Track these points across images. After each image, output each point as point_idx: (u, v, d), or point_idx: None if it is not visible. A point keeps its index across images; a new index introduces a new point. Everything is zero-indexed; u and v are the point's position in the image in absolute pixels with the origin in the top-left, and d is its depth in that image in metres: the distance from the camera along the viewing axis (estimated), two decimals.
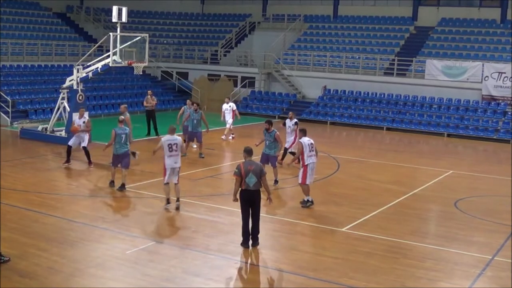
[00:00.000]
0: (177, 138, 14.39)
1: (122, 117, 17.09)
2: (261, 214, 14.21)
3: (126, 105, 20.50)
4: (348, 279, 10.60)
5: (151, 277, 10.29)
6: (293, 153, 19.34)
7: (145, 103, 25.23)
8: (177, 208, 14.21)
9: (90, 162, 18.81)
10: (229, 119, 25.00)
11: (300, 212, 14.65)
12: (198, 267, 10.88)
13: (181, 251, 11.67)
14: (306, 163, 14.78)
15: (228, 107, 25.17)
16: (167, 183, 14.32)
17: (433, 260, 11.71)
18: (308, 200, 15.06)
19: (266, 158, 16.98)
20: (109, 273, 10.45)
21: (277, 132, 16.93)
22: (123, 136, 15.93)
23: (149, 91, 25.31)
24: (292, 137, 19.95)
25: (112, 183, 16.14)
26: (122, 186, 15.88)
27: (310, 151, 14.83)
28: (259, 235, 12.03)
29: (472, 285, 10.62)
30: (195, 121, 21.00)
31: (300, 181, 14.91)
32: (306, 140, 14.95)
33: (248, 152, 12.01)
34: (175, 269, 10.74)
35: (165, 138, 14.33)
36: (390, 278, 10.69)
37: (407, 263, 11.48)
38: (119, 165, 16.07)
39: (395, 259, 11.71)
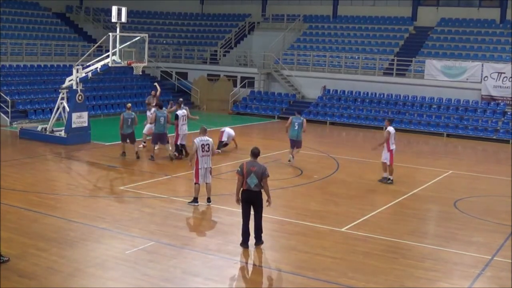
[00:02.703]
0: (209, 139, 14.58)
1: (129, 104, 21.02)
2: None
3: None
4: (347, 279, 10.61)
5: (151, 277, 10.29)
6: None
7: (147, 102, 24.91)
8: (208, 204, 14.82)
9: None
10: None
11: (300, 212, 14.66)
12: (197, 267, 10.88)
13: (181, 251, 11.67)
14: (391, 148, 18.09)
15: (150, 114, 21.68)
16: (198, 183, 14.63)
17: (432, 260, 11.72)
18: (390, 178, 18.21)
19: None
20: (109, 273, 10.45)
21: None
22: (129, 120, 19.88)
23: (153, 92, 25.02)
24: (186, 126, 20.64)
25: (123, 154, 20.16)
26: (137, 157, 19.85)
27: (394, 139, 18.08)
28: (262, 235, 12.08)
29: (471, 285, 10.63)
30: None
31: (388, 163, 18.15)
32: (392, 129, 18.13)
33: (254, 153, 12.01)
34: (175, 269, 10.74)
35: (198, 139, 14.49)
36: (389, 278, 10.69)
37: (406, 263, 11.48)
38: (127, 140, 20.21)
39: (394, 259, 11.71)
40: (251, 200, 11.83)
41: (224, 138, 22.18)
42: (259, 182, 11.71)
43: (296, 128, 20.26)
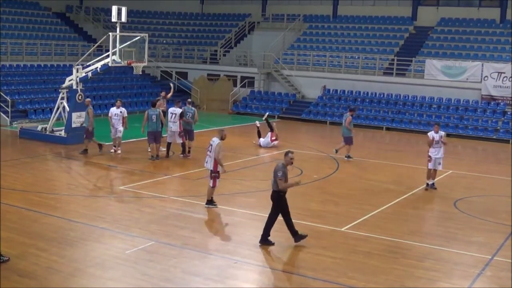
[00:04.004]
0: (215, 140, 14.26)
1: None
2: (260, 214, 14.26)
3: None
4: (347, 279, 10.60)
5: (151, 277, 10.29)
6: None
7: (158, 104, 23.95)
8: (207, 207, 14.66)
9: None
10: (119, 126, 20.71)
11: (300, 212, 14.62)
12: (197, 267, 10.88)
13: (180, 251, 11.67)
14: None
15: (119, 113, 20.75)
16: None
17: (433, 260, 11.72)
18: (433, 183, 17.56)
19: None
20: (109, 273, 10.44)
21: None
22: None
23: (163, 93, 24.31)
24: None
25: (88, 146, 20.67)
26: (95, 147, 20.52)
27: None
28: (268, 237, 12.18)
29: (471, 285, 10.63)
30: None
31: (442, 167, 17.64)
32: None
33: (284, 153, 12.22)
34: (174, 269, 10.74)
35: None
36: (389, 278, 10.69)
37: (407, 263, 11.48)
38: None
39: (395, 259, 11.71)
40: (271, 198, 12.15)
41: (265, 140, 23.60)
42: (274, 181, 11.89)
43: (343, 124, 21.81)
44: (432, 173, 17.55)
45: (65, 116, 22.97)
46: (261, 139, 23.45)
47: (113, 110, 20.86)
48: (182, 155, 20.61)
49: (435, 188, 17.45)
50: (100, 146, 20.85)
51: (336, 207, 15.39)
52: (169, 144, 20.55)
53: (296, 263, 11.34)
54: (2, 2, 34.68)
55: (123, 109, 20.86)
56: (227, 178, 17.81)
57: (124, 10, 21.25)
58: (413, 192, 17.24)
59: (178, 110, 20.38)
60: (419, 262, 11.57)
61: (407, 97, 32.47)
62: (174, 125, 20.28)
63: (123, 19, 21.32)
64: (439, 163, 17.41)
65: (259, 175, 18.91)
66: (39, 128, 23.48)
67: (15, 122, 26.62)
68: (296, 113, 33.31)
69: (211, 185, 14.49)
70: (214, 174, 14.32)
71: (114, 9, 21.14)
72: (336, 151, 21.82)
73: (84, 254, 11.27)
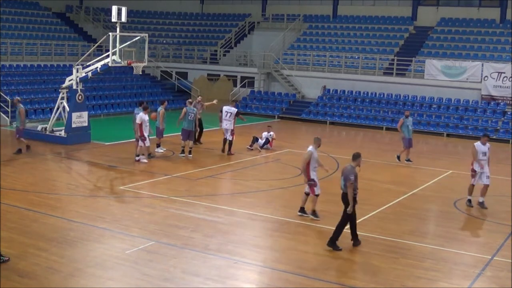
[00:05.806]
0: (310, 148, 13.98)
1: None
2: (260, 214, 14.25)
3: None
4: (347, 279, 10.61)
5: (151, 277, 10.29)
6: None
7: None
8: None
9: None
10: (146, 133, 19.47)
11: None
12: (197, 267, 10.88)
13: (180, 251, 11.67)
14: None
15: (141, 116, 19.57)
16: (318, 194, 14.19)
17: (433, 260, 11.72)
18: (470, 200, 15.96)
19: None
20: (108, 273, 10.44)
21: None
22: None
23: (199, 97, 23.48)
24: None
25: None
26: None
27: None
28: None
29: (471, 285, 10.63)
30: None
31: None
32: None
33: (352, 156, 12.25)
34: (174, 269, 10.74)
35: (313, 148, 13.94)
36: (389, 278, 10.69)
37: (407, 263, 11.48)
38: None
39: (395, 259, 11.71)
40: (341, 200, 12.17)
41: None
42: (344, 185, 11.99)
43: None
44: (482, 190, 15.74)
45: (65, 116, 22.97)
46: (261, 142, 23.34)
47: (144, 116, 19.24)
48: (227, 152, 21.25)
49: (486, 208, 15.61)
50: (28, 147, 20.57)
51: (336, 207, 15.33)
52: (225, 140, 21.41)
53: (296, 263, 11.33)
54: (2, 2, 34.69)
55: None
56: (227, 178, 17.82)
57: (124, 10, 21.25)
58: (413, 192, 17.23)
59: (233, 109, 21.46)
60: (419, 262, 11.57)
61: (407, 97, 32.47)
62: (229, 123, 21.16)
63: (123, 19, 21.32)
64: (487, 177, 15.71)
65: (259, 175, 18.91)
66: (39, 128, 23.47)
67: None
68: (296, 113, 33.31)
69: (310, 193, 14.20)
70: (310, 182, 14.03)
71: (114, 9, 21.14)
72: (407, 160, 21.38)
73: (84, 254, 11.27)
